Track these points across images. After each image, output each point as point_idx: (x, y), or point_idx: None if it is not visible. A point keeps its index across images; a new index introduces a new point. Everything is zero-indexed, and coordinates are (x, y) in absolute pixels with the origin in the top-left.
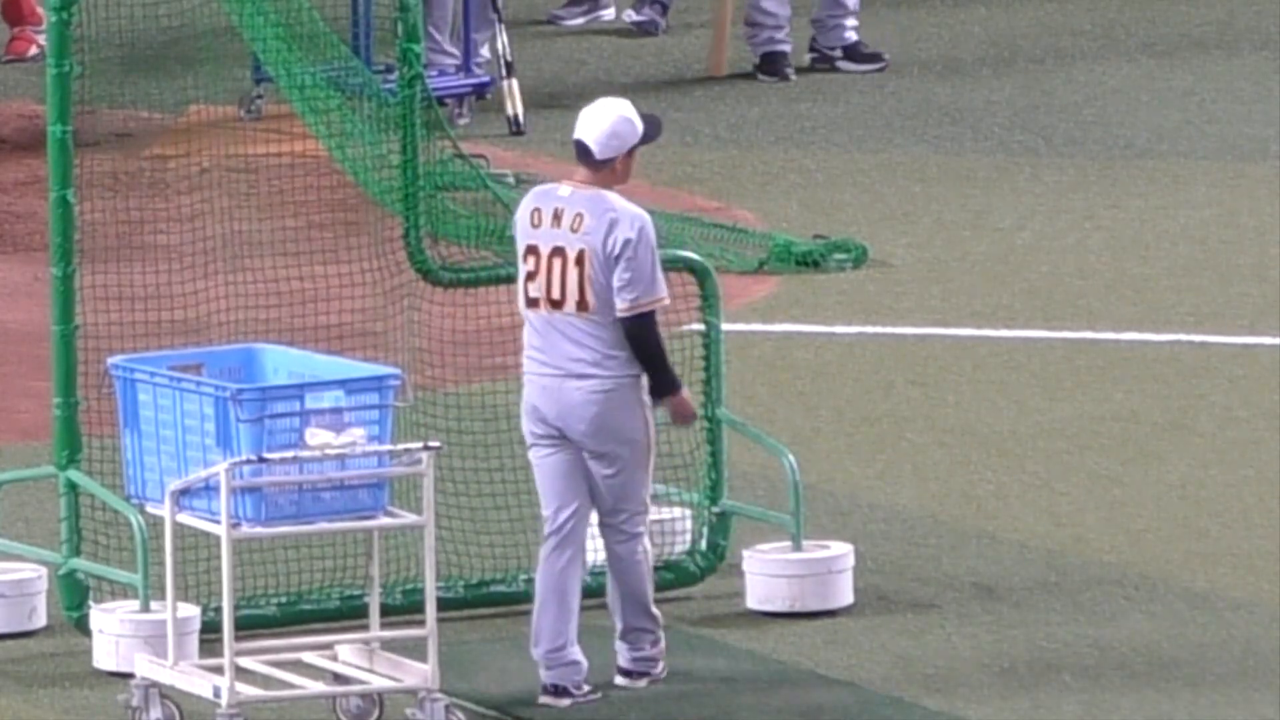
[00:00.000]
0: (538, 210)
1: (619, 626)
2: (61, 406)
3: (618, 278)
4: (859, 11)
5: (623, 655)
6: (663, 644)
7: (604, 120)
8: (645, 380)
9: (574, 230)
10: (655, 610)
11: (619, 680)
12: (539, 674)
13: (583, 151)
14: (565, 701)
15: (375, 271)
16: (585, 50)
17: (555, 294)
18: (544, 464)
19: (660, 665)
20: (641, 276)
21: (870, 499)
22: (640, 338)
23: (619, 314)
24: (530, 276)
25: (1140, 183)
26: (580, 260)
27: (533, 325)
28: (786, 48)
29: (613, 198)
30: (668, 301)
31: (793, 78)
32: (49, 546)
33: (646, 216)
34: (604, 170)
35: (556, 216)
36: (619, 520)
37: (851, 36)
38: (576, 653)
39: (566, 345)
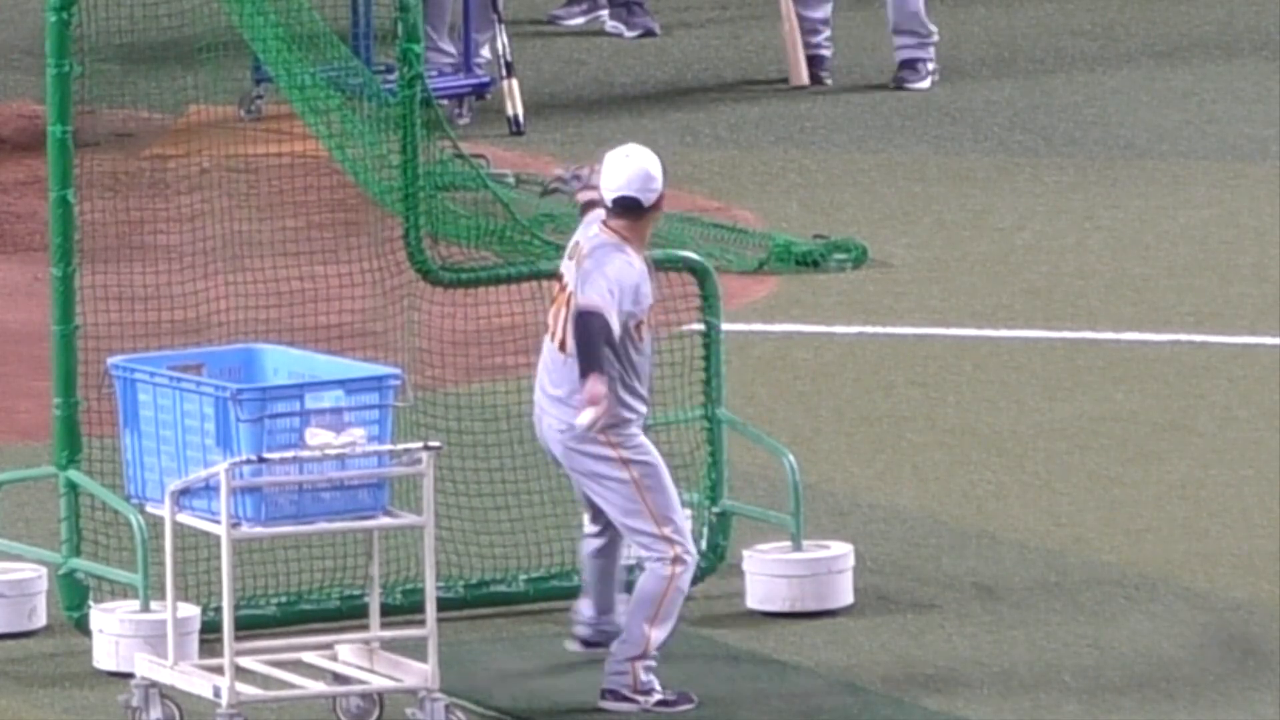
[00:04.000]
0: (576, 243)
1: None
2: (61, 406)
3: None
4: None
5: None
6: (645, 676)
7: (648, 165)
8: (627, 429)
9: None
10: (649, 633)
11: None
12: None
13: (631, 204)
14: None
15: (375, 271)
16: (585, 50)
17: (554, 327)
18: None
19: (645, 697)
20: (586, 280)
21: (870, 499)
22: (577, 327)
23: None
24: (553, 301)
25: (1140, 183)
26: (569, 301)
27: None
28: (825, 52)
29: (616, 255)
30: (605, 313)
31: (829, 82)
32: (49, 546)
33: (626, 282)
34: (643, 218)
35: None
36: (637, 543)
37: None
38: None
39: (546, 376)
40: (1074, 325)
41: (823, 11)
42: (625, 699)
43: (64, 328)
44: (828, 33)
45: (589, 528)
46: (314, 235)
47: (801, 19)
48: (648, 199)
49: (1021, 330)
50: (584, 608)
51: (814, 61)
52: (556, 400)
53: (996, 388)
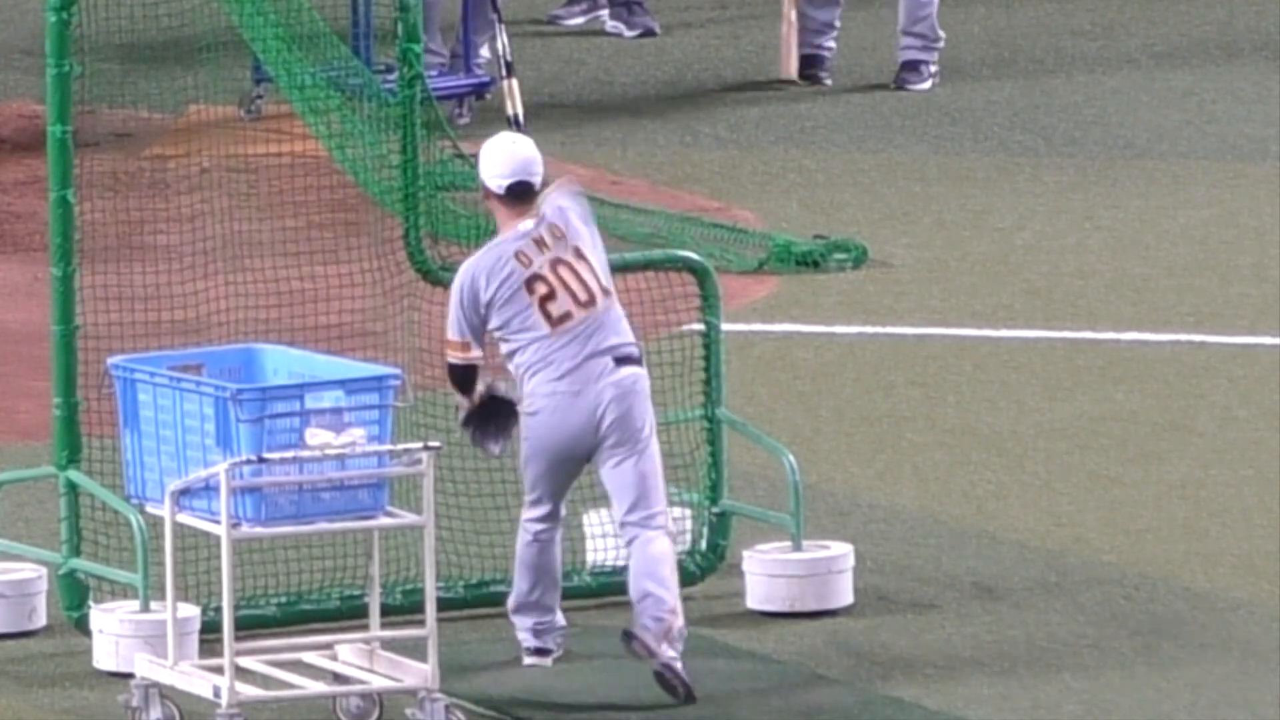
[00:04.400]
0: (520, 253)
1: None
2: (61, 406)
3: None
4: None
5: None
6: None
7: (534, 152)
8: None
9: (558, 238)
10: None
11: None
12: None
13: (528, 190)
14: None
15: (375, 271)
16: (585, 50)
17: (583, 297)
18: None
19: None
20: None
21: (870, 499)
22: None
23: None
24: (546, 299)
25: (1140, 183)
26: (580, 254)
27: (573, 339)
28: (826, 52)
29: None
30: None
31: (828, 82)
32: (49, 546)
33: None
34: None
35: (539, 244)
36: (650, 515)
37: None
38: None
39: (612, 335)
40: (1074, 325)
41: (830, 14)
42: (647, 648)
43: (64, 328)
44: (834, 34)
45: (543, 522)
46: (314, 235)
47: (808, 19)
48: (538, 182)
49: (1021, 330)
50: (559, 617)
51: (814, 61)
52: (631, 346)
53: (996, 388)
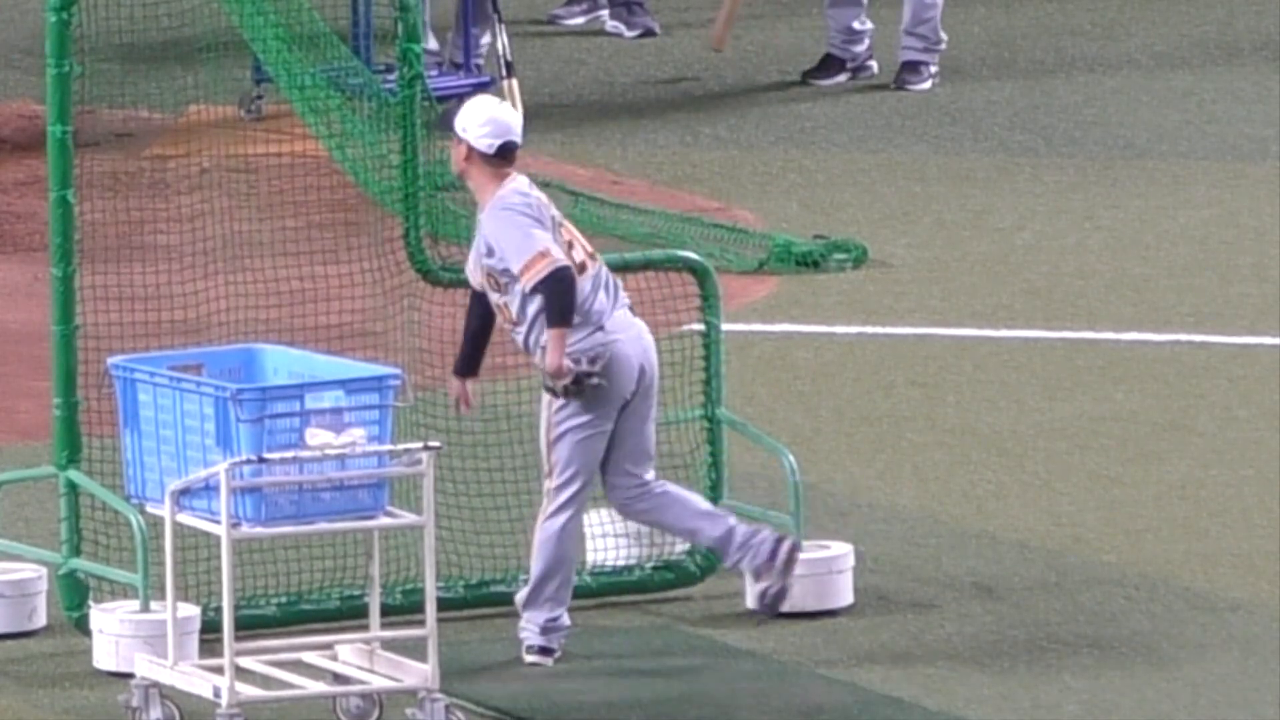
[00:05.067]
0: (540, 197)
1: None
2: (61, 406)
3: None
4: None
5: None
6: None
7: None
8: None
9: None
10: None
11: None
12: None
13: (515, 149)
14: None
15: (375, 271)
16: (585, 50)
17: (589, 248)
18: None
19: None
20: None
21: (870, 499)
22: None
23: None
24: (570, 246)
25: (1140, 183)
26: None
27: (596, 285)
28: (842, 54)
29: None
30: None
31: (833, 80)
32: (49, 546)
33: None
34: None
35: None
36: (648, 469)
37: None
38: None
39: (621, 293)
40: (1074, 325)
41: (850, 19)
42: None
43: (64, 328)
44: (844, 38)
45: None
46: (314, 235)
47: (827, 17)
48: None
49: (1021, 330)
50: (566, 616)
51: (827, 60)
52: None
53: (996, 388)
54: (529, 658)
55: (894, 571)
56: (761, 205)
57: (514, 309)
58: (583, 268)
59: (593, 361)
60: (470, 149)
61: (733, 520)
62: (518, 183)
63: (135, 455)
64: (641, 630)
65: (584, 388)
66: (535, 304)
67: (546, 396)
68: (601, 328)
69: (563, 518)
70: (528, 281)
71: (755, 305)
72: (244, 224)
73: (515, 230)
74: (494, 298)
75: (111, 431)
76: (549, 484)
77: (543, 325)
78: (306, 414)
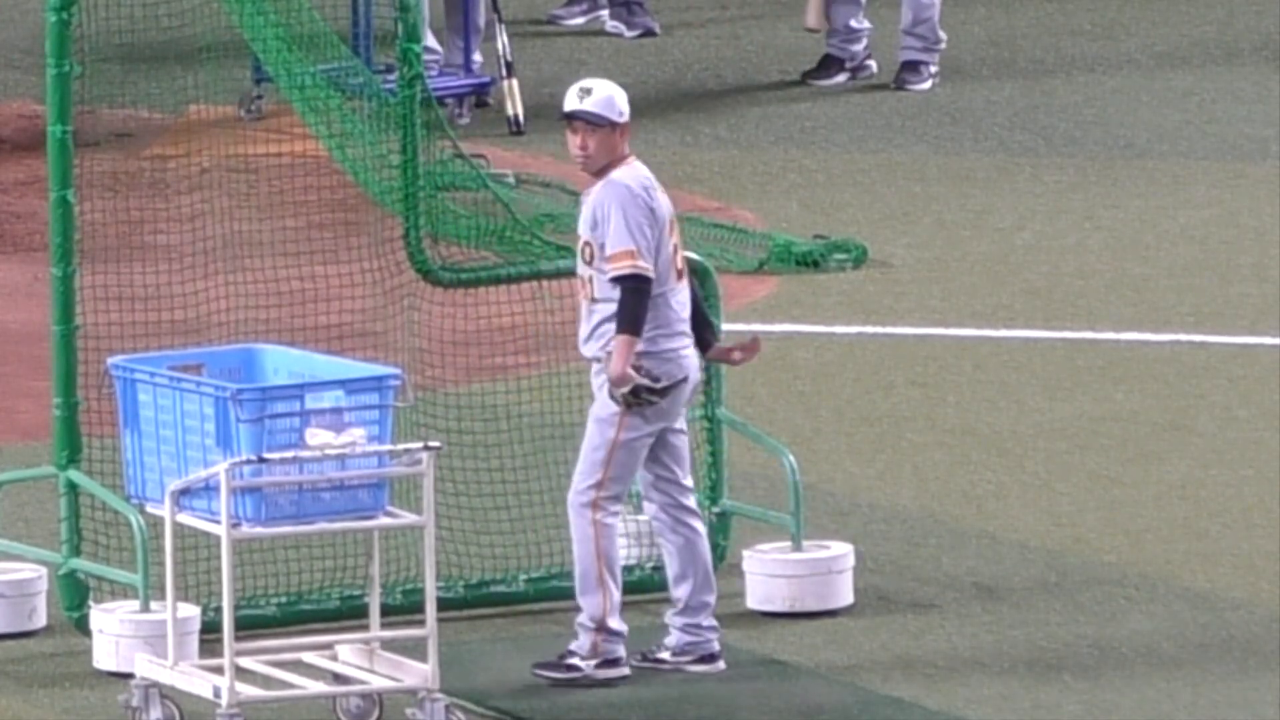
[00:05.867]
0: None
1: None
2: (61, 406)
3: None
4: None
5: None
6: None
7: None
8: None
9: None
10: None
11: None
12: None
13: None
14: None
15: (375, 271)
16: (585, 50)
17: (681, 264)
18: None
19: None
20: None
21: (870, 499)
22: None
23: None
24: (675, 251)
25: (1140, 183)
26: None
27: (683, 299)
28: (840, 54)
29: None
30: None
31: (833, 80)
32: (49, 546)
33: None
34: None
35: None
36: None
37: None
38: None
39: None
40: (1074, 325)
41: (849, 18)
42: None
43: (64, 328)
44: (852, 36)
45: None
46: (314, 235)
47: (830, 18)
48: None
49: (1021, 330)
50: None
51: (827, 61)
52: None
53: (996, 388)
54: (599, 673)
55: (894, 571)
56: (761, 205)
57: (595, 286)
58: (680, 275)
59: (656, 379)
60: (622, 124)
61: (711, 600)
62: (640, 172)
63: (135, 455)
64: (641, 630)
65: (641, 401)
66: (615, 293)
67: (603, 398)
68: (679, 354)
69: (613, 519)
70: (613, 270)
71: (755, 305)
72: (244, 224)
73: (625, 219)
74: (582, 269)
75: (111, 431)
76: (598, 493)
77: (614, 320)
78: (306, 414)
